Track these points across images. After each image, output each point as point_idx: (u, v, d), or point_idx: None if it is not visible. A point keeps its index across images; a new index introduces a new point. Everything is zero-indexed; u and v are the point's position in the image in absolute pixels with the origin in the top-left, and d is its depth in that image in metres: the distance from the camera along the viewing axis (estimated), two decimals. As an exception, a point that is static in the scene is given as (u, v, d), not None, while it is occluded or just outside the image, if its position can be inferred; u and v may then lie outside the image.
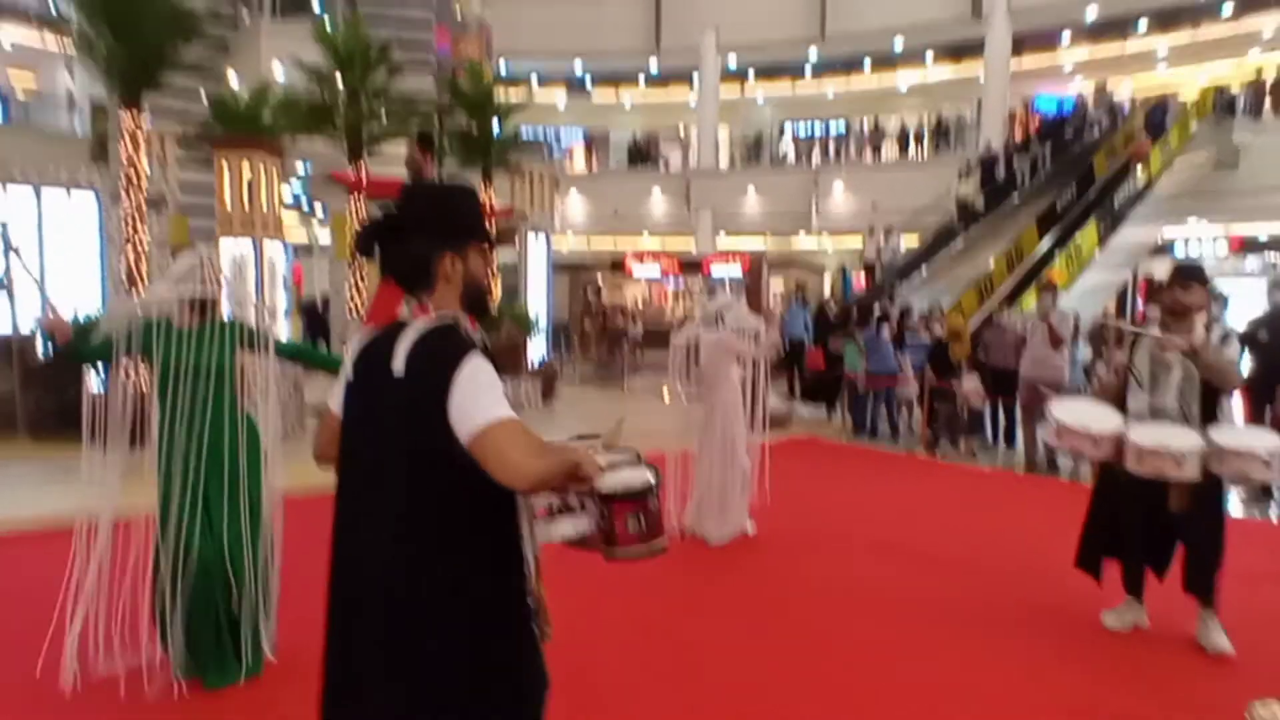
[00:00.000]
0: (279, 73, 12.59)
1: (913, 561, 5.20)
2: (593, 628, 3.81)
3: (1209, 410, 3.87)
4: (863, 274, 18.43)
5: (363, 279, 10.96)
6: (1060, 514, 6.54)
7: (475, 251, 1.84)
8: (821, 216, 23.89)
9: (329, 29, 11.12)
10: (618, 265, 24.95)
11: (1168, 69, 24.20)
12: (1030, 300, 11.94)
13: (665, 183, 25.78)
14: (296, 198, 18.39)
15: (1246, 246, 21.47)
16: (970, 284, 14.50)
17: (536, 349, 12.58)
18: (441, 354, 1.68)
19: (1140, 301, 21.34)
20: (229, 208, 8.01)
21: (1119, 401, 4.06)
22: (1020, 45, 23.10)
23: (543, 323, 12.83)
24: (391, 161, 12.72)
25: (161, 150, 11.74)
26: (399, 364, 1.69)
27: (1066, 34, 24.12)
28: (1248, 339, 7.02)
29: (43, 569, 4.70)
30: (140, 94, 8.49)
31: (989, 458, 8.97)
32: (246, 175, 7.99)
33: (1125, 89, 22.97)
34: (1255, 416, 7.11)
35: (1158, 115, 18.66)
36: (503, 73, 20.03)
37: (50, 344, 3.16)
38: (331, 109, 11.04)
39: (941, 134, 25.01)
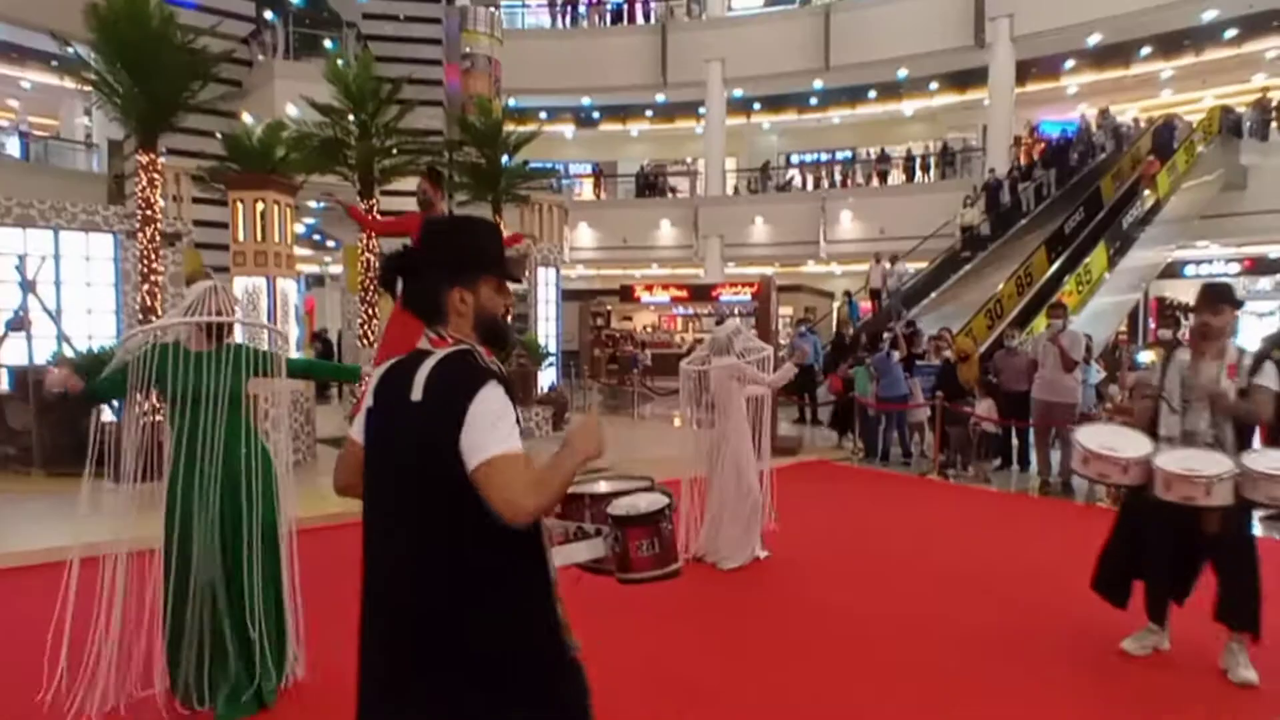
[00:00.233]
0: (292, 111, 12.80)
1: (926, 585, 5.15)
2: (602, 652, 3.78)
3: (1242, 432, 3.82)
4: (868, 301, 18.42)
5: (374, 310, 11.05)
6: (1075, 537, 6.49)
7: (487, 285, 1.86)
8: (829, 244, 23.97)
9: (341, 68, 11.33)
10: (627, 292, 25.07)
11: (1172, 94, 24.32)
12: (1041, 323, 11.92)
13: (673, 212, 25.96)
14: (309, 228, 18.63)
15: (1258, 267, 21.42)
16: (980, 308, 14.48)
17: (546, 376, 12.62)
18: (458, 382, 1.72)
19: (1151, 322, 21.30)
20: (243, 245, 8.13)
21: (1150, 425, 4.02)
22: (1024, 72, 23.28)
23: (552, 349, 12.89)
24: (403, 196, 12.92)
25: (177, 188, 11.94)
26: (417, 392, 1.74)
27: (1070, 60, 24.32)
28: (1262, 358, 6.95)
29: (55, 602, 4.73)
30: (156, 133, 8.66)
31: (1002, 481, 8.90)
32: (260, 212, 8.11)
33: (1129, 114, 23.05)
34: (1272, 439, 7.02)
35: (1165, 135, 18.71)
36: (511, 104, 20.32)
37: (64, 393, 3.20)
38: (343, 145, 11.22)
39: (947, 160, 25.14)
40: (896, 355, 10.22)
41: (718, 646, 4.15)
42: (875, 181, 25.51)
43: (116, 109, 8.64)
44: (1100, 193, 17.37)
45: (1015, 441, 9.49)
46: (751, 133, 29.67)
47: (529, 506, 1.63)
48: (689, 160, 29.62)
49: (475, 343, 1.84)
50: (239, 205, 8.12)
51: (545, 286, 13.05)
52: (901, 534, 6.58)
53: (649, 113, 29.21)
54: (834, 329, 17.12)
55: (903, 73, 24.86)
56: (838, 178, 26.95)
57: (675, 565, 1.98)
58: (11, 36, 21.32)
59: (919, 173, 25.40)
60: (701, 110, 25.91)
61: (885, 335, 11.06)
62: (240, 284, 8.12)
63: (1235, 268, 21.73)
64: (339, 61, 11.73)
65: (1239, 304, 3.97)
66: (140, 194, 8.62)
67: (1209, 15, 20.68)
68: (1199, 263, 22.21)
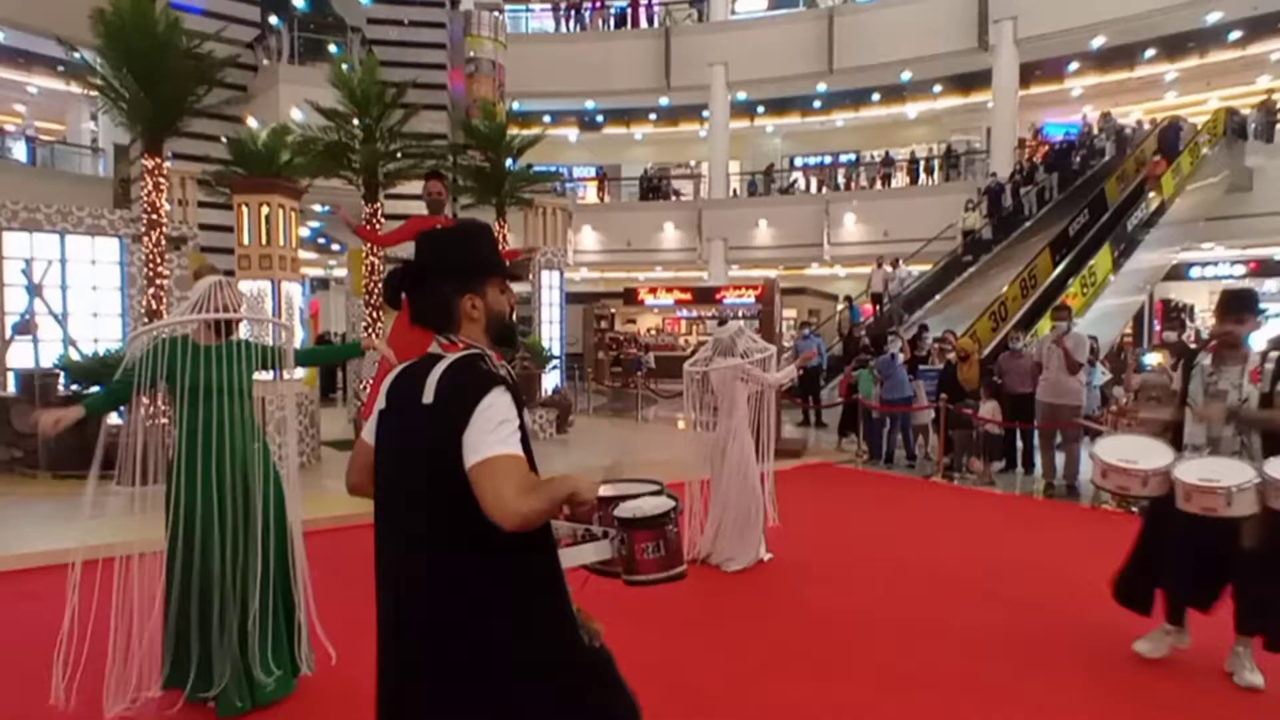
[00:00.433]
0: (297, 115, 12.85)
1: (931, 588, 5.14)
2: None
3: (1269, 439, 3.74)
4: (869, 304, 18.41)
5: (379, 313, 11.08)
6: (1080, 539, 6.49)
7: (493, 287, 1.91)
8: (833, 246, 23.96)
9: (345, 72, 11.37)
10: (631, 295, 25.09)
11: (1177, 96, 24.29)
12: (1046, 325, 11.91)
13: (677, 215, 25.98)
14: (314, 231, 18.68)
15: (1264, 269, 21.36)
16: (984, 310, 14.47)
17: (550, 379, 12.64)
18: (466, 386, 1.76)
19: (1157, 324, 21.26)
20: (248, 248, 8.16)
21: (1161, 429, 3.99)
22: (1028, 74, 23.27)
23: (556, 352, 12.90)
24: (407, 200, 12.95)
25: (182, 192, 11.99)
26: (429, 395, 1.77)
27: (1074, 63, 24.30)
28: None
29: (61, 603, 4.75)
30: (162, 138, 8.71)
31: (1007, 483, 8.89)
32: (265, 216, 8.13)
33: (1134, 116, 23.03)
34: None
35: (1171, 135, 18.68)
36: (515, 108, 20.39)
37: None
38: (348, 149, 11.25)
39: (951, 163, 25.13)
40: (901, 358, 10.21)
41: (724, 650, 4.14)
42: (879, 184, 25.51)
43: (122, 114, 8.69)
44: (1105, 195, 17.35)
45: (1020, 444, 9.47)
46: (755, 136, 29.69)
47: (520, 509, 1.64)
48: (693, 163, 29.65)
49: (486, 346, 1.88)
50: (244, 209, 8.15)
51: (549, 289, 13.07)
52: (906, 536, 6.57)
53: (653, 116, 29.26)
54: (837, 333, 17.12)
55: (906, 75, 24.86)
56: (841, 180, 26.96)
57: (680, 568, 2.01)
58: (18, 42, 21.44)
59: (923, 175, 25.40)
60: (705, 113, 25.96)
61: (889, 338, 11.05)
62: (245, 287, 8.14)
63: (1241, 270, 21.69)
64: (343, 66, 11.77)
65: (1262, 311, 3.94)
66: (146, 198, 8.66)
67: (1214, 17, 20.66)
68: (1204, 265, 22.17)
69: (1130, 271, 16.03)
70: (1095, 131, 21.72)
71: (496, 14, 17.80)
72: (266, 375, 3.56)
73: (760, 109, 28.43)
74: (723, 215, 24.98)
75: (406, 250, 6.64)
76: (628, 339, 22.08)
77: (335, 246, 20.60)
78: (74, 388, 8.23)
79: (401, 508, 1.82)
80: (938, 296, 18.12)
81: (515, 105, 21.86)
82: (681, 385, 5.87)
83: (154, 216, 8.63)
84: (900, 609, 4.76)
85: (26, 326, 8.76)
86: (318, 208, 15.25)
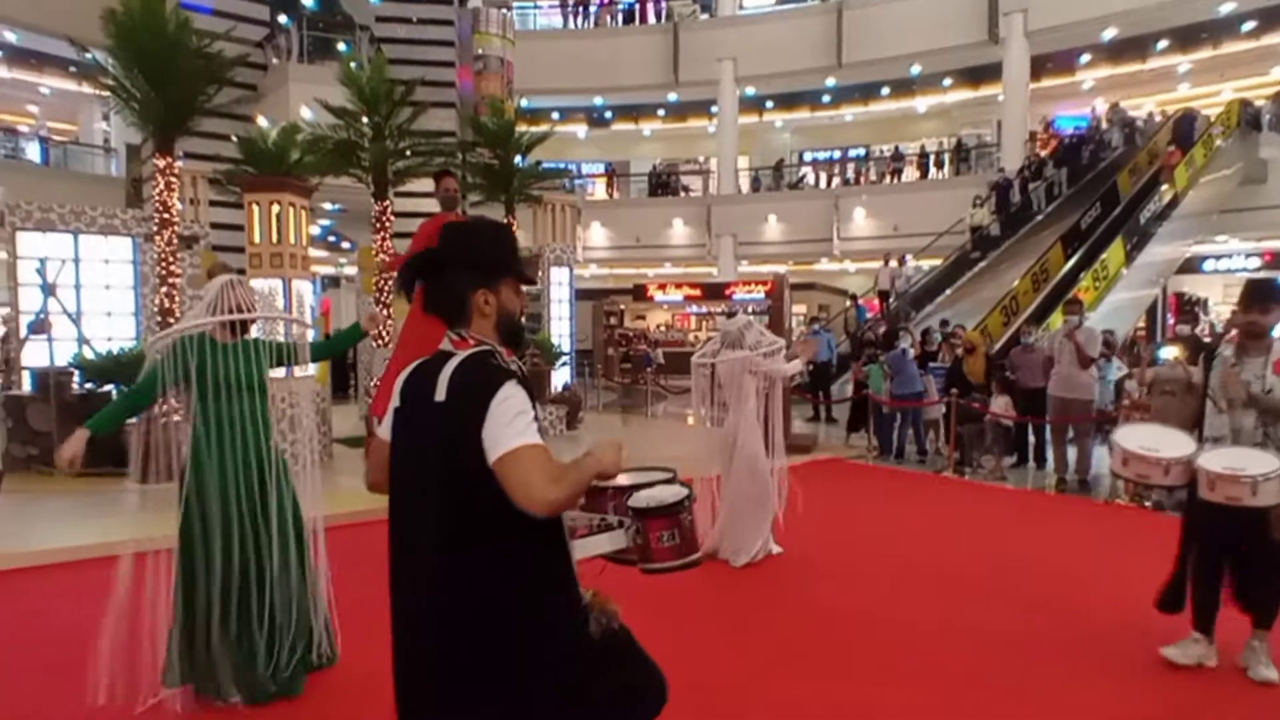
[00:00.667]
0: (306, 114, 12.91)
1: (940, 584, 5.13)
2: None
3: None
4: (876, 301, 18.36)
5: (389, 311, 11.12)
6: (1092, 535, 6.46)
7: (508, 286, 1.93)
8: (843, 241, 23.89)
9: (354, 71, 11.40)
10: (640, 291, 25.08)
11: (1190, 88, 24.07)
12: (1057, 319, 11.85)
13: (686, 211, 25.94)
14: (324, 229, 18.77)
15: (1279, 260, 21.16)
16: (995, 305, 14.40)
17: (560, 376, 12.66)
18: (479, 382, 1.77)
19: (1170, 318, 21.10)
20: (259, 246, 8.20)
21: (1193, 423, 3.95)
22: (1039, 67, 23.10)
23: (566, 349, 12.92)
24: (417, 198, 12.98)
25: (194, 191, 12.07)
26: (441, 392, 1.79)
27: (1085, 55, 24.12)
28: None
29: (86, 598, 4.80)
30: (173, 137, 8.77)
31: (1018, 478, 8.85)
32: (275, 214, 8.18)
33: (1146, 108, 22.83)
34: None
35: (1185, 126, 18.53)
36: (523, 105, 20.38)
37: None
38: (357, 147, 11.29)
39: (962, 156, 24.99)
40: (911, 353, 10.18)
41: (731, 646, 4.15)
42: (889, 179, 25.40)
43: (134, 114, 8.75)
44: (1117, 188, 17.22)
45: (1032, 438, 9.43)
46: (764, 131, 29.60)
47: (549, 497, 1.67)
48: (701, 159, 29.59)
49: (496, 343, 1.90)
50: (255, 208, 8.20)
51: (558, 286, 13.08)
52: (916, 532, 6.55)
53: (661, 112, 29.21)
54: (844, 331, 17.09)
55: (916, 69, 24.71)
56: (851, 175, 26.84)
57: (696, 555, 2.05)
58: (31, 43, 21.59)
59: (933, 169, 25.26)
60: (714, 109, 25.89)
61: (900, 333, 11.02)
62: (257, 285, 8.19)
63: (1255, 262, 21.49)
64: (352, 64, 11.81)
65: None
66: (158, 197, 8.72)
67: (1227, 8, 20.44)
68: (1218, 258, 21.98)
69: (1143, 265, 15.91)
70: (1104, 125, 21.53)
71: (505, 11, 17.83)
72: (281, 372, 3.60)
73: (769, 104, 28.32)
74: (732, 211, 24.93)
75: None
76: (637, 335, 22.09)
77: (346, 244, 20.69)
78: (88, 386, 8.30)
79: (415, 505, 1.84)
80: (948, 291, 18.04)
81: (524, 102, 21.85)
82: (691, 381, 5.87)
83: (166, 215, 8.69)
84: (908, 605, 4.75)
85: (41, 326, 8.83)
86: (328, 206, 15.31)
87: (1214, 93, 23.26)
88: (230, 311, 3.31)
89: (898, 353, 10.00)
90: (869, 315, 18.01)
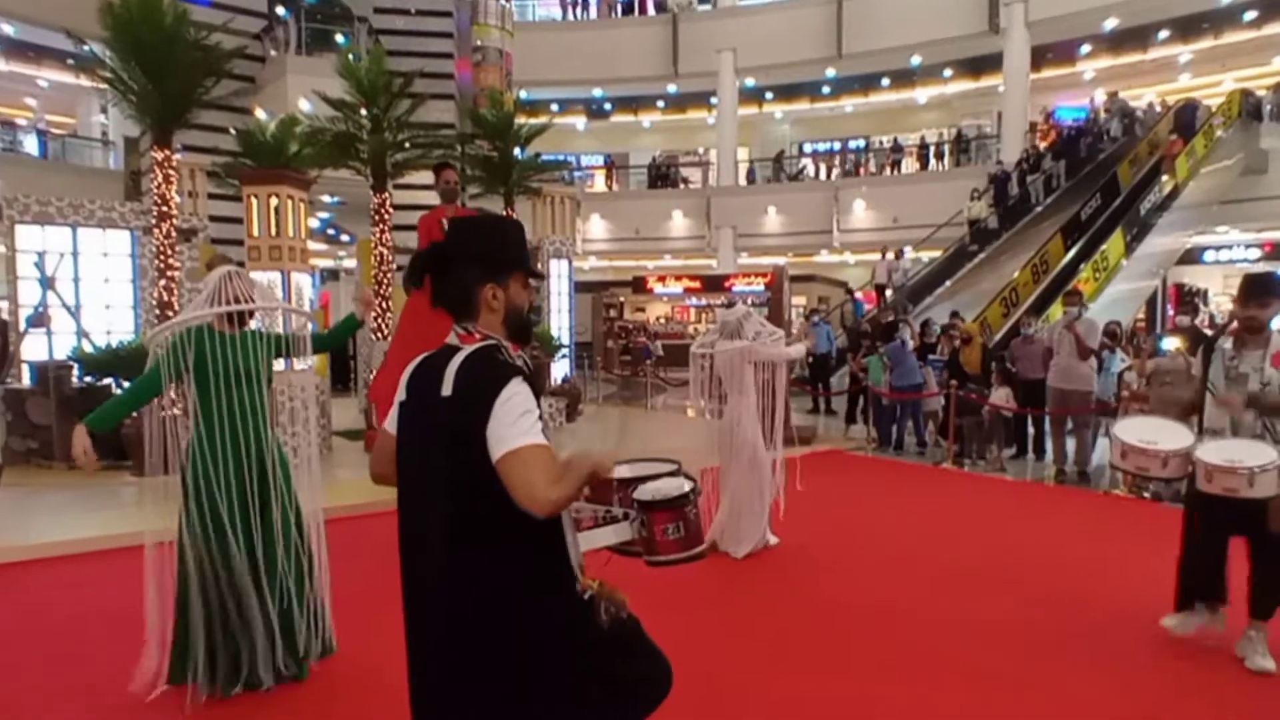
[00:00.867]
0: (305, 106, 12.88)
1: (940, 576, 5.14)
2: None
3: None
4: (873, 293, 18.34)
5: (388, 303, 11.12)
6: (1092, 526, 6.47)
7: (517, 282, 1.93)
8: (843, 233, 23.86)
9: (353, 63, 11.37)
10: (640, 284, 25.06)
11: (1191, 78, 24.00)
12: (1057, 311, 11.84)
13: (685, 202, 25.90)
14: (323, 222, 18.74)
15: (1279, 250, 21.15)
16: (995, 296, 14.39)
17: (559, 368, 12.66)
18: (486, 378, 1.77)
19: (1170, 309, 21.09)
20: (257, 239, 8.19)
21: (1191, 414, 3.97)
22: (1039, 57, 23.03)
23: (565, 341, 12.92)
24: (416, 190, 12.96)
25: (192, 184, 12.04)
26: (447, 387, 1.79)
27: (1086, 45, 24.04)
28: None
29: (86, 591, 4.81)
30: (171, 130, 8.75)
31: (1018, 469, 8.86)
32: (274, 207, 8.16)
33: (1147, 98, 22.77)
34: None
35: (1188, 115, 18.48)
36: (522, 96, 20.35)
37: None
38: (356, 140, 11.27)
39: (962, 148, 24.93)
40: (911, 344, 10.18)
41: (733, 639, 4.15)
42: (888, 170, 25.34)
43: (132, 106, 8.73)
44: (1117, 179, 17.19)
45: (1031, 429, 9.44)
46: (764, 122, 29.54)
47: (550, 497, 1.68)
48: (701, 151, 29.53)
49: (503, 338, 1.90)
50: (253, 200, 8.18)
51: (558, 278, 13.07)
52: (915, 523, 6.56)
53: (661, 103, 29.15)
54: (840, 326, 17.07)
55: (916, 60, 24.65)
56: (851, 167, 26.81)
57: (701, 548, 2.05)
58: (29, 36, 21.53)
59: (933, 160, 25.21)
60: (713, 100, 25.83)
61: (900, 324, 11.00)
62: (256, 277, 8.19)
63: (1255, 253, 21.47)
64: (351, 56, 11.78)
65: None
66: (156, 190, 8.71)
67: (1228, -2, 20.40)
68: (1218, 248, 21.96)
69: (1143, 256, 15.90)
70: (1102, 116, 21.46)
71: (503, 2, 17.73)
72: (280, 364, 3.59)
73: (769, 95, 28.26)
74: (731, 203, 24.89)
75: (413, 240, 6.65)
76: (636, 327, 22.10)
77: (345, 237, 20.67)
78: (88, 379, 8.30)
79: (421, 499, 1.86)
80: (948, 282, 18.02)
81: (523, 94, 21.82)
82: (690, 374, 5.86)
83: (164, 208, 8.68)
84: (908, 597, 4.76)
85: (40, 319, 8.83)
86: (327, 198, 15.29)
87: (1215, 83, 23.20)
88: (230, 303, 3.31)
89: (897, 344, 9.99)
90: (866, 308, 17.99)
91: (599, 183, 29.10)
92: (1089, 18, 21.33)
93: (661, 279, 25.35)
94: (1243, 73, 22.62)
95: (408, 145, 11.63)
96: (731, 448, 5.50)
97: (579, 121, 29.72)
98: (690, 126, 29.59)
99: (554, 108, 27.59)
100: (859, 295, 19.56)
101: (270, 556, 3.33)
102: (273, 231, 8.17)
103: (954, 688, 3.57)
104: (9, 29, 21.16)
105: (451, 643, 1.79)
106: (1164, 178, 16.77)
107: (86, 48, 9.69)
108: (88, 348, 8.60)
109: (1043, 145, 21.86)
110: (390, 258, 11.32)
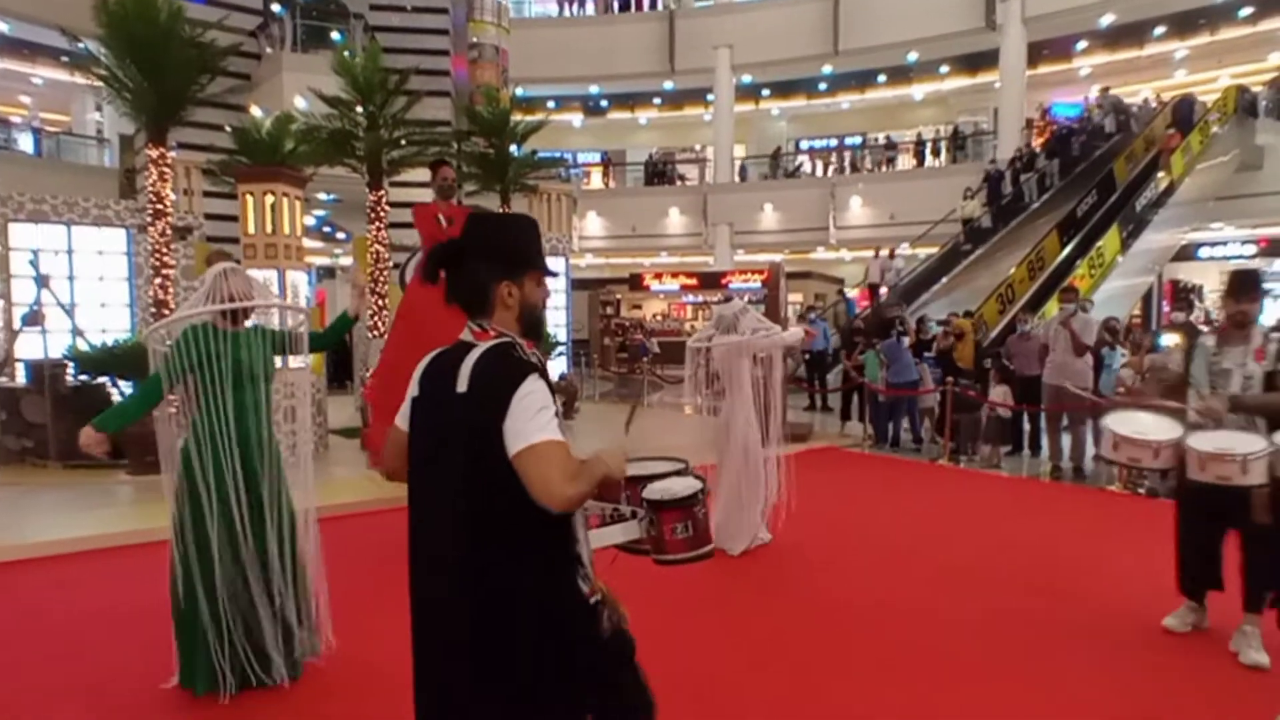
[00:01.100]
0: (300, 103, 12.84)
1: (936, 572, 5.15)
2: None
3: (1274, 421, 3.77)
4: (867, 291, 18.33)
5: (384, 301, 11.10)
6: (1087, 522, 6.49)
7: (532, 279, 1.94)
8: (839, 230, 23.86)
9: (348, 60, 11.34)
10: (636, 281, 25.05)
11: (1187, 74, 24.02)
12: (1053, 307, 11.84)
13: (682, 199, 25.87)
14: (319, 220, 18.69)
15: (1274, 247, 21.19)
16: (990, 293, 14.40)
17: (556, 365, 12.66)
18: (502, 374, 1.78)
19: (1166, 305, 21.13)
20: (253, 237, 8.17)
21: (1176, 412, 4.01)
22: (1036, 54, 23.02)
23: (562, 338, 12.91)
24: (411, 187, 12.92)
25: (187, 181, 12.01)
26: (463, 383, 1.80)
27: (1082, 42, 24.04)
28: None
29: (82, 590, 4.80)
30: (166, 128, 8.72)
31: (1013, 466, 8.88)
32: (269, 205, 8.15)
33: (1143, 94, 22.77)
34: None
35: (1185, 110, 18.49)
36: (518, 93, 20.30)
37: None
38: (352, 137, 11.24)
39: (958, 144, 24.93)
40: (906, 341, 10.19)
41: (729, 637, 4.16)
42: (885, 167, 25.33)
43: (127, 104, 8.70)
44: (1113, 175, 17.20)
45: (1026, 426, 9.45)
46: (760, 119, 29.51)
47: (567, 493, 1.70)
48: (698, 147, 29.50)
49: (517, 335, 1.90)
50: (249, 198, 8.16)
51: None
52: (912, 520, 6.57)
53: (657, 100, 29.10)
54: (834, 325, 17.06)
55: (913, 56, 24.64)
56: (847, 163, 26.78)
57: (709, 547, 2.06)
58: (22, 33, 21.42)
59: (929, 157, 25.20)
60: (710, 97, 25.79)
61: (896, 321, 11.02)
62: (253, 274, 8.18)
63: (1251, 249, 21.50)
64: (346, 53, 11.75)
65: (1266, 290, 4.00)
66: (151, 188, 8.69)
67: (1224, -7, 20.41)
68: (1214, 245, 21.99)
69: (1139, 252, 15.91)
70: (1095, 112, 21.43)
71: (499, -1, 17.68)
72: (277, 362, 3.59)
73: (765, 92, 28.23)
74: (728, 199, 24.87)
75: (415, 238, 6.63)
76: (633, 324, 22.08)
77: (340, 235, 20.62)
78: (83, 378, 8.28)
79: (434, 495, 1.86)
80: (944, 280, 18.02)
81: (519, 91, 21.76)
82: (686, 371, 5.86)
83: (159, 206, 8.65)
84: (905, 594, 4.77)
85: (35, 317, 8.82)
86: (322, 196, 15.25)
87: (1211, 79, 23.20)
88: (227, 300, 3.30)
89: (893, 341, 10.01)
90: (859, 309, 17.99)
91: (595, 180, 29.04)
92: (1085, 14, 21.32)
93: (658, 276, 25.32)
94: (1238, 69, 22.64)
95: (404, 142, 11.62)
96: (727, 444, 5.50)
97: (575, 118, 29.66)
98: (687, 123, 29.55)
99: (550, 105, 27.53)
100: (850, 295, 19.56)
101: (271, 555, 3.32)
102: (268, 229, 8.14)
103: (952, 685, 3.58)
104: (3, 26, 21.06)
105: (461, 637, 1.79)
106: (1160, 174, 16.78)
107: (81, 45, 9.64)
108: (83, 346, 8.58)
109: (1037, 144, 21.84)
110: (386, 255, 11.31)
